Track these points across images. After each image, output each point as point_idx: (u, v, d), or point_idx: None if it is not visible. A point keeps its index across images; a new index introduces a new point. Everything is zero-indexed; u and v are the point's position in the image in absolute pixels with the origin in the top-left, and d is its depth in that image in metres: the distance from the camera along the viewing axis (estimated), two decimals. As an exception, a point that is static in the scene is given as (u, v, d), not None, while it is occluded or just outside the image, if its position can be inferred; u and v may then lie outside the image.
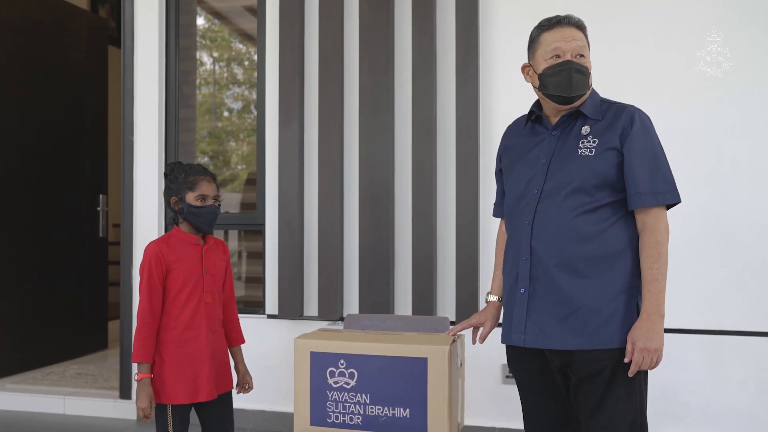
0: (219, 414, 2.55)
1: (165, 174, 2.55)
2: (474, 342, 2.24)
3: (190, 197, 2.45)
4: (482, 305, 3.28)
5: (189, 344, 2.41)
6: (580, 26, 2.03)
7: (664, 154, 1.98)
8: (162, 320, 2.42)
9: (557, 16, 2.03)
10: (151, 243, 2.48)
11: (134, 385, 3.77)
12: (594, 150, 1.95)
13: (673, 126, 3.09)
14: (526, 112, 2.17)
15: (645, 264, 1.91)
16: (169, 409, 2.42)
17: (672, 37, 3.25)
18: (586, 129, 1.99)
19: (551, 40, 2.00)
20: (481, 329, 2.21)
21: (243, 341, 2.69)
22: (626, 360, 1.85)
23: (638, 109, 2.01)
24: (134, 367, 2.48)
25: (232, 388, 2.59)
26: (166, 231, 3.80)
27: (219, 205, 2.53)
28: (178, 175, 2.49)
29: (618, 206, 1.95)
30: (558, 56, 1.99)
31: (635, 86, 3.22)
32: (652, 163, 1.94)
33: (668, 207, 1.97)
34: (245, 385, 2.65)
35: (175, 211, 2.50)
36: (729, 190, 3.15)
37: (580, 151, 1.97)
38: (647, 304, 1.88)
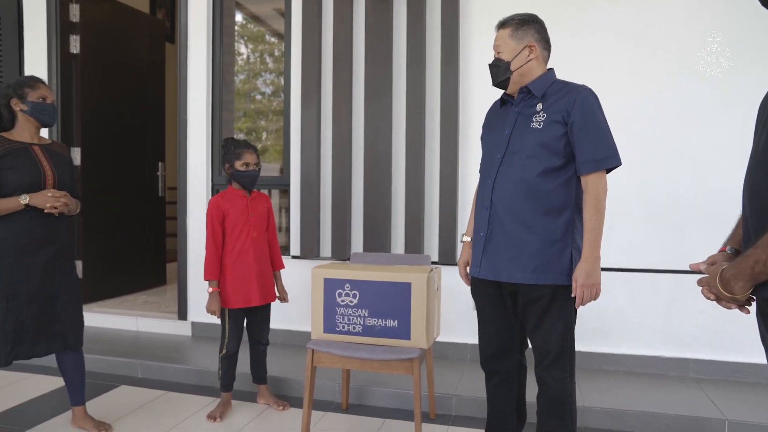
0: (261, 317, 2.92)
1: (221, 147, 2.85)
2: (469, 278, 2.24)
3: (238, 164, 2.78)
4: (460, 247, 3.47)
5: (241, 266, 2.78)
6: (502, 25, 2.10)
7: (605, 124, 1.97)
8: (223, 250, 2.77)
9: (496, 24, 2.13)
10: (213, 197, 2.85)
11: (190, 308, 4.07)
12: (542, 123, 1.99)
13: (621, 111, 3.13)
14: (495, 97, 2.24)
15: (586, 216, 1.95)
16: (227, 312, 2.78)
17: (672, 37, 3.20)
18: (539, 106, 2.02)
19: None
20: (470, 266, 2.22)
21: (282, 267, 3.00)
22: (573, 295, 1.93)
23: (585, 87, 2.01)
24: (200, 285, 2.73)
25: (273, 300, 2.92)
26: (212, 191, 4.05)
27: (259, 169, 2.82)
28: (230, 148, 2.81)
29: (562, 170, 1.98)
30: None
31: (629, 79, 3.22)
32: (594, 134, 1.94)
33: (610, 169, 1.98)
34: (284, 298, 2.98)
35: (228, 175, 2.81)
36: (651, 162, 3.23)
37: (532, 125, 2.01)
38: (586, 248, 1.93)
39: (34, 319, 2.41)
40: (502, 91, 2.18)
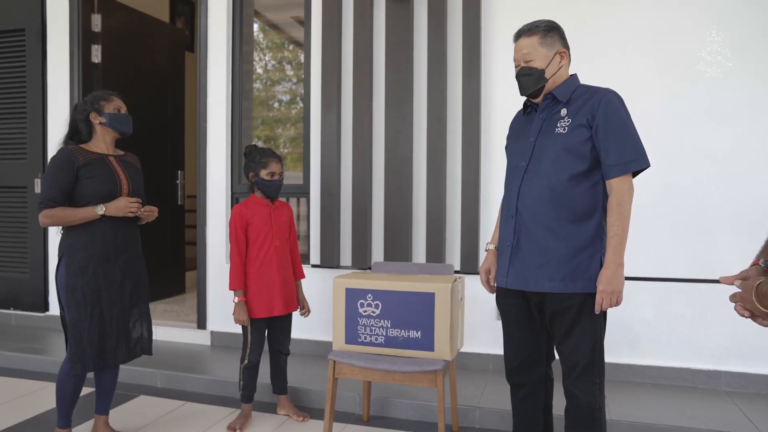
0: (282, 326, 2.89)
1: (245, 154, 2.87)
2: (491, 286, 2.20)
3: (263, 173, 2.77)
4: (482, 255, 3.44)
5: (265, 275, 2.76)
6: (528, 33, 2.04)
7: (632, 126, 1.94)
8: (247, 259, 2.75)
9: (517, 31, 2.07)
10: (236, 206, 2.83)
11: (210, 317, 4.07)
12: (567, 128, 1.96)
13: (646, 113, 3.07)
14: (518, 103, 2.21)
15: (609, 221, 1.91)
16: (249, 322, 2.77)
17: (697, 38, 3.15)
18: (564, 111, 2.00)
19: (513, 54, 2.09)
20: (491, 274, 2.19)
21: (303, 276, 2.98)
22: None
23: (609, 90, 1.98)
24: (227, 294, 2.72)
25: (296, 310, 2.90)
26: (232, 199, 4.05)
27: (282, 178, 2.81)
28: (255, 156, 2.80)
29: (588, 175, 1.95)
30: (516, 66, 2.07)
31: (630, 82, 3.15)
32: (619, 136, 1.91)
33: (636, 173, 1.94)
34: (305, 308, 2.96)
35: (252, 183, 2.80)
36: (678, 166, 3.17)
37: (557, 130, 1.98)
38: (609, 254, 1.90)
39: (116, 325, 2.51)
40: (524, 98, 2.14)
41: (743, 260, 3.04)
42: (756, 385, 3.10)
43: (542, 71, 2.01)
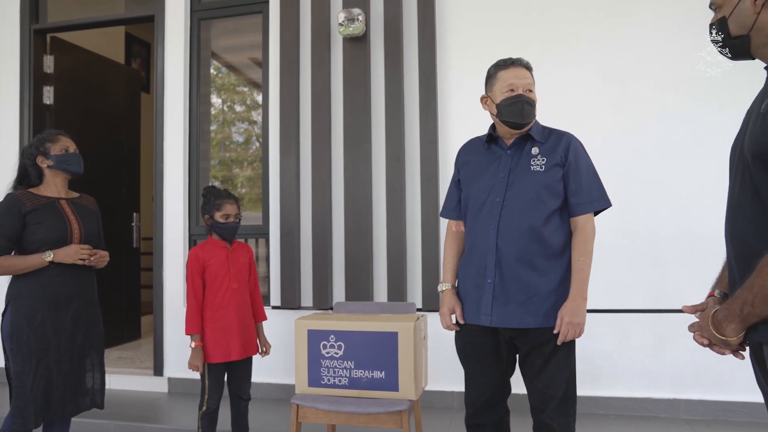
0: (242, 371, 2.80)
1: (202, 195, 2.81)
2: (459, 322, 2.14)
3: (218, 215, 2.72)
4: (443, 293, 3.44)
5: (222, 319, 2.68)
6: (528, 68, 2.07)
7: (594, 168, 2.06)
8: (204, 302, 2.68)
9: (511, 58, 2.07)
10: (192, 248, 2.77)
11: (167, 363, 3.93)
12: (544, 167, 2.01)
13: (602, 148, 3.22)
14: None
15: (574, 256, 1.98)
16: (206, 367, 2.68)
17: (649, 77, 3.27)
18: (535, 150, 2.04)
19: (507, 77, 2.03)
20: (455, 314, 2.14)
21: (264, 318, 2.91)
22: (555, 332, 1.91)
23: (572, 134, 2.08)
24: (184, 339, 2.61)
25: (256, 353, 2.82)
26: (190, 241, 3.98)
27: (239, 221, 2.77)
28: (210, 198, 2.76)
29: (562, 212, 2.02)
30: (512, 90, 2.02)
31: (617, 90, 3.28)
32: (587, 177, 2.01)
33: (599, 211, 2.04)
34: (265, 350, 2.88)
35: (208, 225, 2.76)
36: (632, 200, 3.25)
37: (532, 168, 2.01)
38: (574, 288, 1.95)
39: (64, 377, 2.38)
40: (484, 132, 2.16)
41: (698, 290, 3.08)
42: (713, 411, 3.17)
43: (535, 107, 2.06)
